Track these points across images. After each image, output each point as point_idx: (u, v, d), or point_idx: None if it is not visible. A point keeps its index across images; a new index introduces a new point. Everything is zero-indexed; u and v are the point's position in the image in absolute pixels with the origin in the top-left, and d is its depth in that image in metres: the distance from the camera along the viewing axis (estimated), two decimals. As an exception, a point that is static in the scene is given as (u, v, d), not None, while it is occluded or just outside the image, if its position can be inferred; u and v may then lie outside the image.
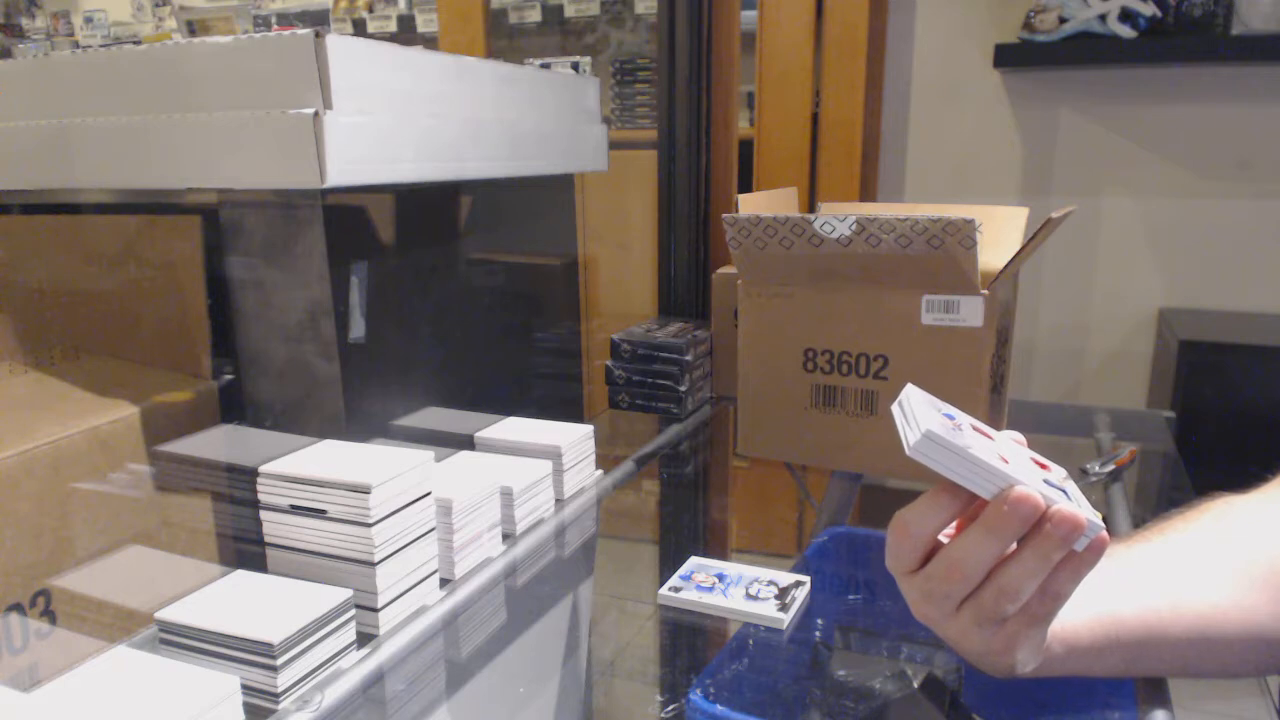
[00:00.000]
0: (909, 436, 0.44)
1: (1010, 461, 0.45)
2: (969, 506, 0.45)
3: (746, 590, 0.69)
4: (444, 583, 0.67)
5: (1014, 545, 0.44)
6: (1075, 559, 0.44)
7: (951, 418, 0.47)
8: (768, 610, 0.66)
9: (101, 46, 2.66)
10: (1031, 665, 0.48)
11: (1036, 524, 0.43)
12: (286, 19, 2.99)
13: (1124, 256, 1.80)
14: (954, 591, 0.45)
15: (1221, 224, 1.73)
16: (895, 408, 0.47)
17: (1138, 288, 1.80)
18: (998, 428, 0.50)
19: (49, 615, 0.66)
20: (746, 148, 1.85)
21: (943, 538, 0.47)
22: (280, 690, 0.53)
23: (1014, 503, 0.42)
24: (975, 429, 0.47)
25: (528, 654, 0.69)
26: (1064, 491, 0.45)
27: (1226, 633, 0.51)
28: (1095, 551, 0.44)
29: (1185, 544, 0.55)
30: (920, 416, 0.45)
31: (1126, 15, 1.62)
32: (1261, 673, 0.53)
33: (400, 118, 0.73)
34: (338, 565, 0.60)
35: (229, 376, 0.78)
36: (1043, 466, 0.47)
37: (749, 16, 1.66)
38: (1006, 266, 0.79)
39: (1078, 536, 0.43)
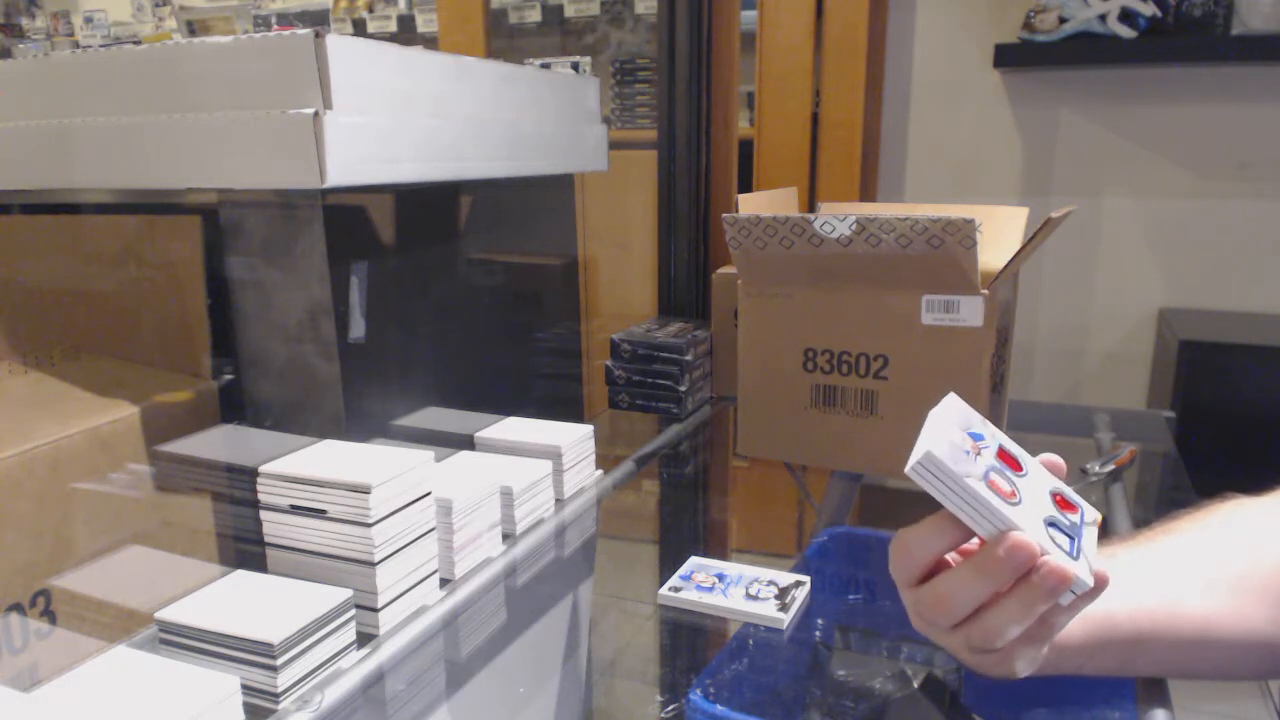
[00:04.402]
0: (911, 456, 0.42)
1: (1023, 499, 0.43)
2: (972, 535, 0.44)
3: (746, 590, 0.69)
4: (444, 583, 0.67)
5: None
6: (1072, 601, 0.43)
7: (979, 438, 0.45)
8: (768, 610, 0.66)
9: (101, 46, 2.66)
10: (1028, 671, 0.48)
11: (1028, 571, 0.42)
12: (286, 19, 2.99)
13: (1124, 256, 1.80)
14: (941, 621, 0.45)
15: (1221, 224, 1.73)
16: (930, 415, 0.45)
17: (1138, 288, 1.80)
18: (997, 428, 0.49)
19: (49, 615, 0.66)
20: (746, 148, 1.85)
21: (953, 554, 0.46)
22: (280, 690, 0.53)
23: (1010, 549, 0.42)
24: (1003, 455, 0.45)
25: (528, 654, 0.69)
26: (1073, 538, 0.44)
27: (1222, 637, 0.51)
28: (1089, 597, 0.43)
29: (1187, 546, 0.54)
30: (934, 435, 0.42)
31: (1126, 15, 1.62)
32: (1257, 676, 0.53)
33: (400, 118, 0.73)
34: (338, 565, 0.60)
35: (229, 376, 0.78)
36: (1065, 505, 0.46)
37: (749, 16, 1.66)
38: (1006, 266, 0.79)
39: (1064, 591, 0.42)
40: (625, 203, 1.95)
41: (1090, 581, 0.42)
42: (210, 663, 0.53)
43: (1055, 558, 0.42)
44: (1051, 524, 0.44)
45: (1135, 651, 0.51)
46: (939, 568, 0.46)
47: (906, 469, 0.42)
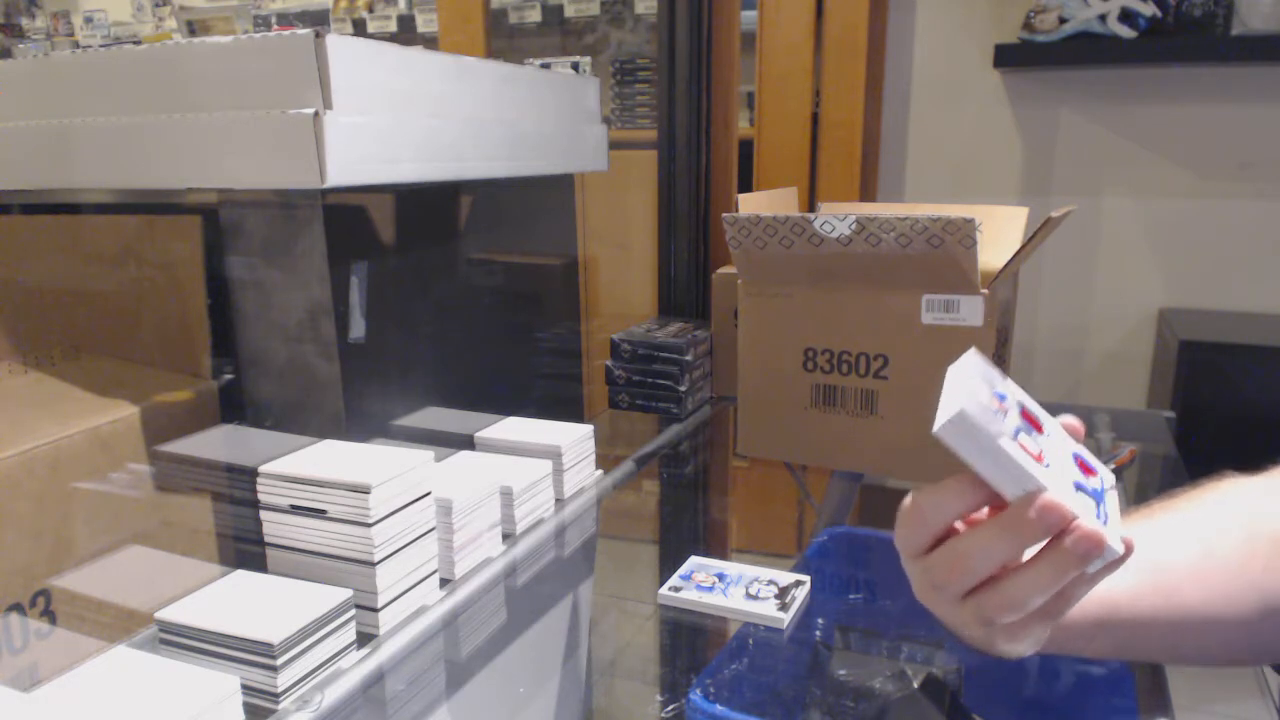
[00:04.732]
0: (940, 414, 0.39)
1: (1049, 461, 0.41)
2: (993, 500, 0.42)
3: (746, 590, 0.69)
4: (444, 583, 0.67)
5: (1027, 551, 0.42)
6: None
7: (1002, 398, 0.42)
8: (768, 610, 0.66)
9: (101, 46, 2.66)
10: (1030, 652, 0.47)
11: (1056, 536, 0.40)
12: (286, 19, 2.99)
13: (1124, 256, 1.80)
14: (954, 586, 0.43)
15: (1221, 224, 1.73)
16: (950, 371, 0.42)
17: (1138, 288, 1.80)
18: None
19: (49, 615, 0.66)
20: (746, 148, 1.85)
21: (959, 523, 0.44)
22: (280, 690, 0.53)
23: (1041, 510, 0.39)
24: (1026, 415, 0.43)
25: (528, 654, 0.69)
26: (1098, 501, 0.42)
27: (1221, 621, 0.50)
28: (1114, 566, 0.41)
29: (1186, 526, 0.53)
30: (961, 392, 0.39)
31: (1126, 15, 1.62)
32: (1254, 662, 0.53)
33: (400, 118, 0.73)
34: (338, 565, 0.60)
35: (229, 376, 0.78)
36: (1086, 469, 0.44)
37: (749, 16, 1.66)
38: (1006, 266, 0.79)
39: (1096, 556, 0.39)
40: (625, 203, 1.95)
41: (1120, 549, 0.40)
42: (210, 663, 0.53)
43: (1086, 521, 0.39)
44: (1078, 488, 0.41)
45: (1131, 635, 0.50)
46: (948, 538, 0.44)
47: (935, 428, 0.39)
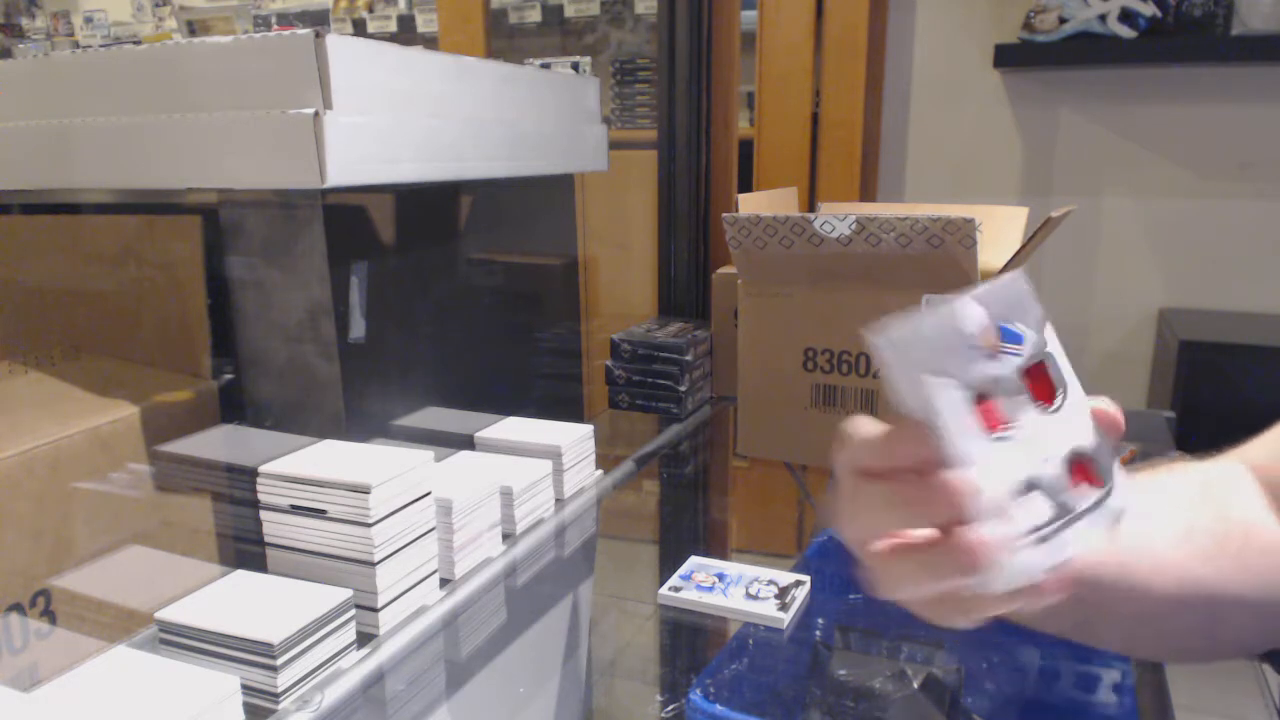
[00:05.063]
0: (891, 324, 0.31)
1: (1017, 438, 0.32)
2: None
3: (746, 590, 0.69)
4: (444, 583, 0.67)
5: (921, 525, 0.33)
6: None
7: (1014, 339, 0.33)
8: (768, 610, 0.66)
9: (101, 46, 2.66)
10: (966, 627, 0.39)
11: (946, 530, 0.31)
12: (286, 19, 2.99)
13: (1124, 256, 1.80)
14: (849, 536, 0.36)
15: (1221, 224, 1.73)
16: (979, 288, 0.33)
17: (1138, 288, 1.80)
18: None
19: (49, 615, 0.66)
20: (746, 148, 1.85)
21: None
22: (280, 690, 0.53)
23: (940, 485, 0.30)
24: (1031, 375, 0.34)
25: (528, 654, 0.69)
26: (1065, 518, 0.32)
27: (1189, 606, 0.49)
28: (1031, 596, 0.32)
29: (1157, 513, 0.50)
30: (944, 311, 0.31)
31: (1126, 15, 1.62)
32: (1210, 657, 0.52)
33: (400, 118, 0.73)
34: (338, 565, 0.60)
35: (229, 376, 0.78)
36: (1086, 475, 0.34)
37: (749, 16, 1.66)
38: (1006, 266, 0.79)
39: (974, 575, 0.30)
40: (625, 203, 1.95)
41: (1028, 579, 0.31)
42: (210, 663, 0.53)
43: (989, 529, 0.30)
44: (1034, 486, 0.32)
45: (1100, 617, 0.48)
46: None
47: (874, 337, 0.31)
